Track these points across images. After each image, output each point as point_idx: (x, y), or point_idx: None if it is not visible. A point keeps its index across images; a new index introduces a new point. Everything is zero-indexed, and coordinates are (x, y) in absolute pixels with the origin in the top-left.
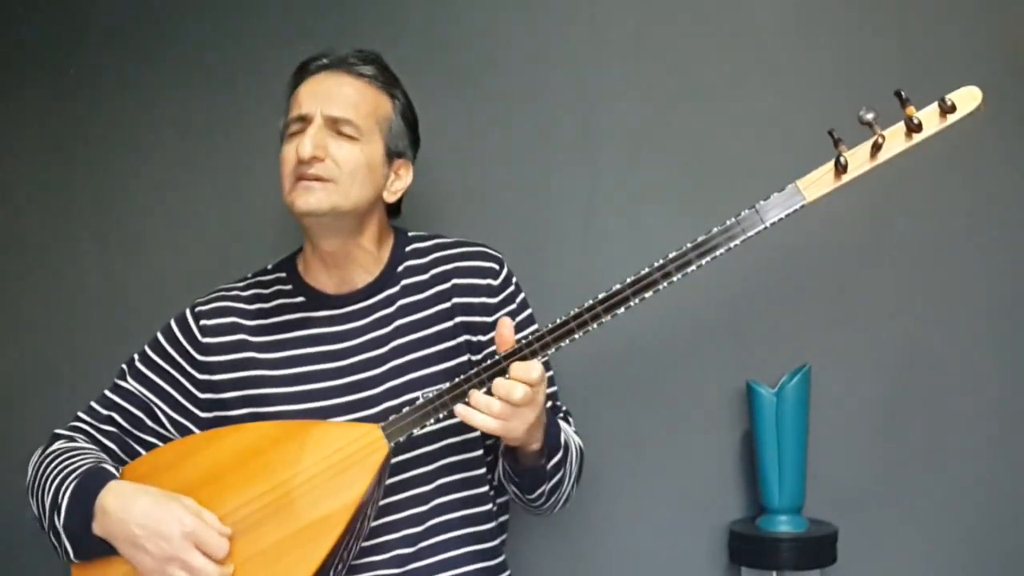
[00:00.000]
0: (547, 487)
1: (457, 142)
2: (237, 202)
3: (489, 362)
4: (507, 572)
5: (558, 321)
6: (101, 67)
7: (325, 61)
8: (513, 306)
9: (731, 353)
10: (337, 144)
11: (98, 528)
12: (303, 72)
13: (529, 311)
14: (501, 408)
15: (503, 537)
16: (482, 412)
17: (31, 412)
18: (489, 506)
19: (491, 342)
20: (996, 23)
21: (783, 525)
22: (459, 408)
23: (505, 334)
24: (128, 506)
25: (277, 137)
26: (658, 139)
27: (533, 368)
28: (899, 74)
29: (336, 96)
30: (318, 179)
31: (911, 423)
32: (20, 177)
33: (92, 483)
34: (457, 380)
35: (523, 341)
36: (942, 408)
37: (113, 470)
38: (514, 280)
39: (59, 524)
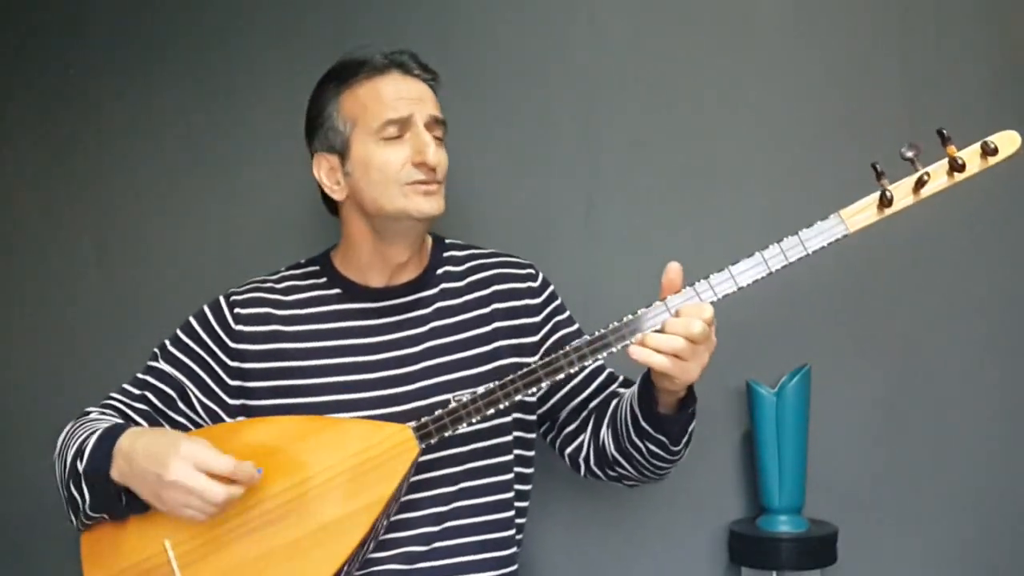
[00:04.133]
0: (688, 435)
1: (457, 142)
2: (237, 203)
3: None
4: None
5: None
6: (101, 67)
7: (385, 64)
8: (557, 302)
9: (731, 353)
10: (439, 148)
11: (115, 471)
12: (361, 72)
13: (569, 312)
14: (684, 346)
15: (518, 546)
16: (662, 351)
17: (31, 413)
18: (510, 512)
19: (543, 341)
20: (996, 24)
21: (783, 525)
22: (634, 349)
23: (674, 279)
24: (136, 440)
25: (277, 137)
26: (658, 139)
27: (705, 308)
28: (899, 74)
29: (424, 98)
30: (435, 184)
31: (911, 423)
32: (20, 177)
33: (116, 430)
34: (491, 385)
35: (565, 348)
36: (942, 408)
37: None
38: (551, 284)
39: (80, 469)
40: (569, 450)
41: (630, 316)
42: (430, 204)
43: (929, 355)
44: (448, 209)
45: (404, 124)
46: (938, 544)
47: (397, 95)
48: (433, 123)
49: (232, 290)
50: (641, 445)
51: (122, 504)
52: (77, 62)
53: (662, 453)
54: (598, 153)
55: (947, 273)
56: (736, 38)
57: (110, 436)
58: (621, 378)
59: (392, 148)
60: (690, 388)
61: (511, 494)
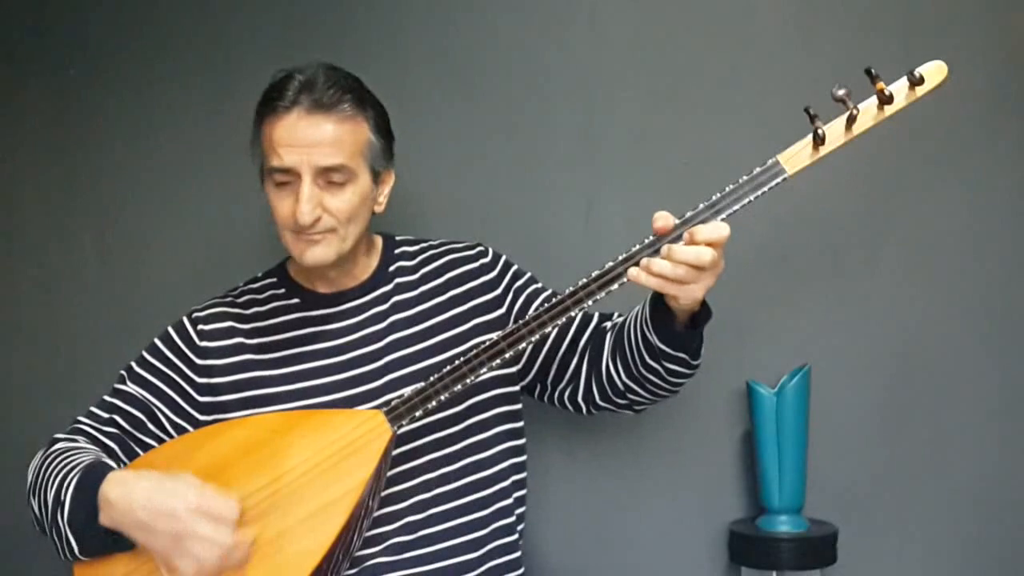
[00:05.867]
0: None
1: (457, 142)
2: (237, 203)
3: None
4: (517, 554)
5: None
6: (101, 67)
7: (294, 99)
8: (514, 269)
9: (731, 353)
10: (331, 194)
11: (105, 519)
12: (271, 107)
13: (530, 274)
14: (685, 272)
15: (520, 519)
16: (665, 276)
17: (30, 413)
18: (503, 483)
19: (509, 311)
20: (997, 23)
21: (783, 525)
22: (633, 271)
23: (662, 225)
24: (130, 492)
25: None
26: (658, 139)
27: (720, 228)
28: (900, 74)
29: (320, 143)
30: (319, 233)
31: (911, 423)
32: (20, 177)
33: (93, 476)
34: (457, 362)
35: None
36: (942, 408)
37: (113, 464)
38: (502, 255)
39: (63, 521)
40: (568, 396)
41: (583, 280)
42: (312, 254)
43: (929, 355)
44: (447, 208)
45: (289, 173)
46: (938, 544)
47: (287, 141)
48: (323, 172)
49: (194, 308)
50: (658, 366)
51: (111, 543)
52: (77, 62)
53: (682, 369)
54: (598, 153)
55: (947, 272)
56: (736, 38)
57: (89, 483)
58: (597, 313)
59: (281, 195)
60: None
61: (498, 467)
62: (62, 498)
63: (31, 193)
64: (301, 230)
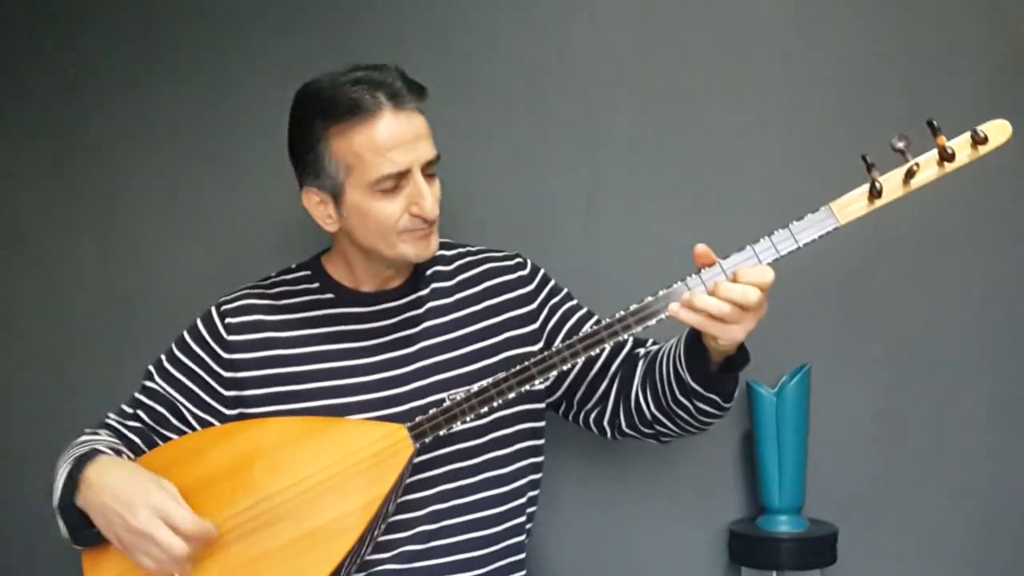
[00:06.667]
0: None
1: (457, 142)
2: (237, 202)
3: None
4: (523, 573)
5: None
6: (101, 67)
7: (375, 100)
8: (551, 285)
9: None
10: (432, 185)
11: (80, 500)
12: (353, 117)
13: (566, 290)
14: (730, 311)
15: (528, 534)
16: (710, 313)
17: (30, 413)
18: (519, 500)
19: (543, 326)
20: (997, 24)
21: (783, 525)
22: (673, 306)
23: (703, 254)
24: (105, 477)
25: (277, 136)
26: (658, 139)
27: (766, 272)
28: (900, 74)
29: (420, 136)
30: (432, 225)
31: (911, 423)
32: (20, 177)
33: (84, 459)
34: (485, 383)
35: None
36: (942, 408)
37: (107, 450)
38: (540, 268)
39: (55, 504)
40: (594, 418)
41: (621, 313)
42: (427, 248)
43: (929, 355)
44: (448, 209)
45: (401, 176)
46: (938, 544)
47: (393, 143)
48: (426, 165)
49: (223, 299)
50: (688, 404)
51: (93, 531)
52: (77, 62)
53: (712, 410)
54: (598, 153)
55: (947, 273)
56: (736, 38)
57: (79, 465)
58: (631, 338)
59: (389, 200)
60: (741, 344)
61: (516, 484)
62: (55, 483)
63: (31, 193)
64: (416, 227)
